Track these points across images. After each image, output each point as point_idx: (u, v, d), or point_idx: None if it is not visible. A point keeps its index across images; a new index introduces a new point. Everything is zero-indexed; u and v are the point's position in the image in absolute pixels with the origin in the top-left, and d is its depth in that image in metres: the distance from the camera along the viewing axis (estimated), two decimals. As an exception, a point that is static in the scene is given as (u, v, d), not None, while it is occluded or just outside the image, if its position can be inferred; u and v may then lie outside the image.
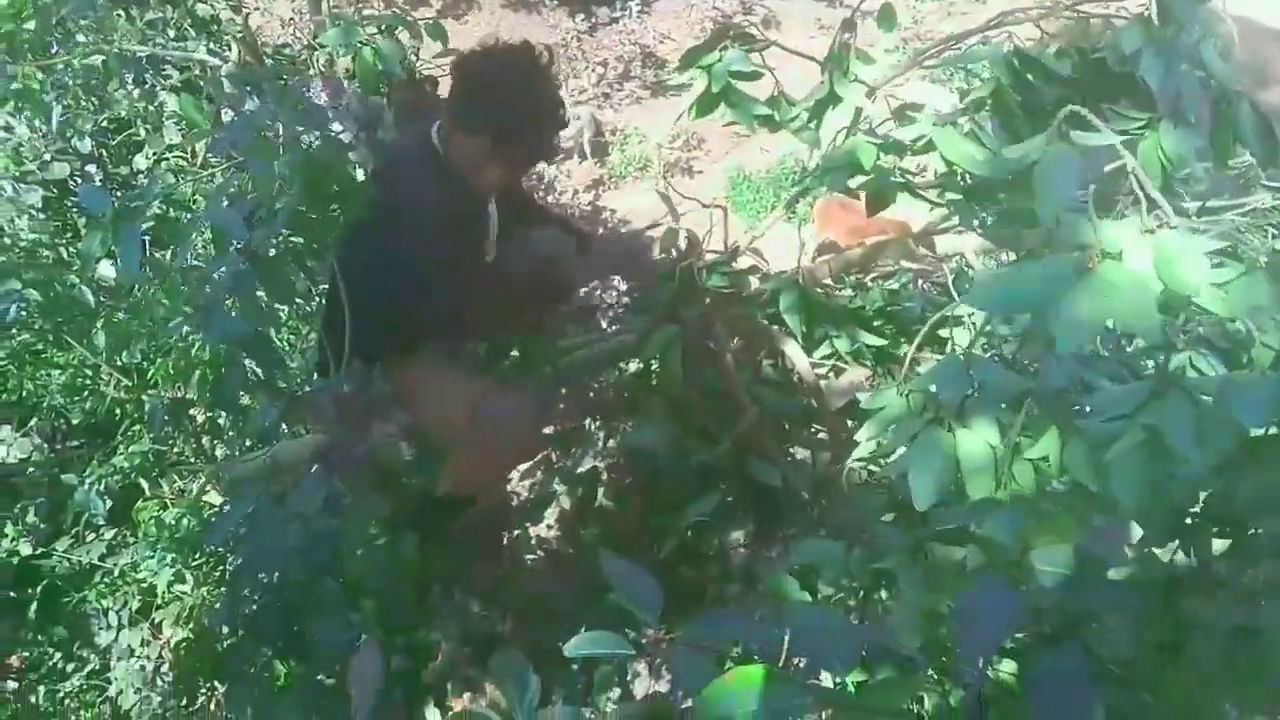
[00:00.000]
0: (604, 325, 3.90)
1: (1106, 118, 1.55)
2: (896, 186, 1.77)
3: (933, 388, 1.34)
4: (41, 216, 3.97)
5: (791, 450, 2.19)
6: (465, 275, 2.22)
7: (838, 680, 1.00)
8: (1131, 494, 1.10)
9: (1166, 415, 1.06)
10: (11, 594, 3.51)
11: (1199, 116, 1.55)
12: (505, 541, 2.42)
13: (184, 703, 3.42)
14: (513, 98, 2.00)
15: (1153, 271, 1.03)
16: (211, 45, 4.27)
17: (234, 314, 1.82)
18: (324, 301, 2.01)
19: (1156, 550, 1.35)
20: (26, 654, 4.07)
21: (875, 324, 2.35)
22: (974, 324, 1.78)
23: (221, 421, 3.30)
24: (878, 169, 1.72)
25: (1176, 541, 1.51)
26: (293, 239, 1.89)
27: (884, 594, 1.95)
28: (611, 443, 2.71)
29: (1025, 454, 1.23)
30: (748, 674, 0.78)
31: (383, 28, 2.27)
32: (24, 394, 3.65)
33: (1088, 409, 1.28)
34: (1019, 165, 1.24)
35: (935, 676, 1.39)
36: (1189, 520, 1.43)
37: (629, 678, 2.13)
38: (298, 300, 2.95)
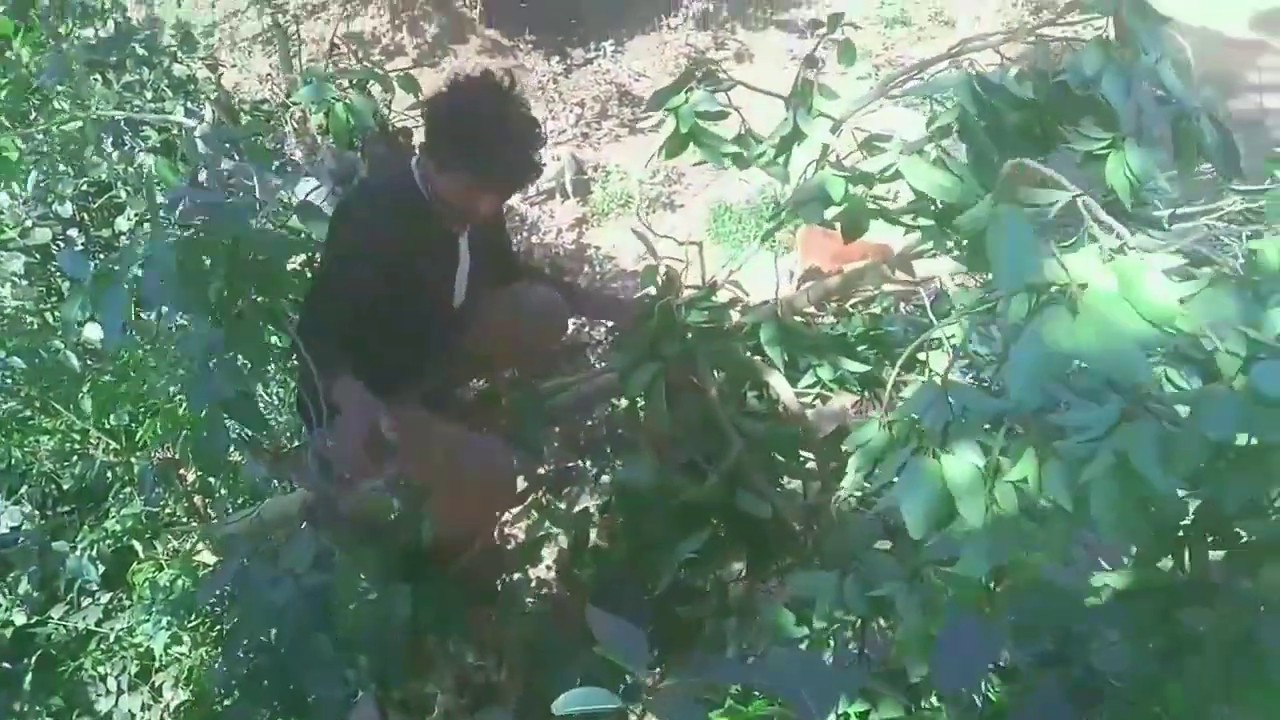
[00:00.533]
0: (592, 362, 3.92)
1: (1069, 139, 1.57)
2: (870, 214, 1.79)
3: (914, 415, 1.35)
4: (24, 283, 3.98)
5: (781, 481, 2.18)
6: (430, 316, 2.23)
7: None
8: (1109, 515, 1.10)
9: (1134, 439, 1.07)
10: (6, 665, 3.46)
11: (1161, 133, 1.58)
12: (500, 587, 2.41)
13: (185, 766, 3.37)
14: (482, 125, 2.02)
15: (1121, 300, 1.04)
16: (189, 104, 4.30)
17: (215, 376, 1.82)
18: (296, 353, 2.02)
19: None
20: (24, 726, 4.02)
21: (859, 349, 2.36)
22: (952, 346, 1.79)
23: (212, 481, 3.28)
24: (850, 199, 1.74)
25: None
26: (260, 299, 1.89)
27: (883, 621, 1.95)
28: (603, 481, 2.71)
29: (1006, 476, 1.23)
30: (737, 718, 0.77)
31: (354, 82, 2.30)
32: (13, 461, 3.64)
33: (1065, 429, 1.28)
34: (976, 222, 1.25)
35: (938, 706, 1.39)
36: (1181, 532, 1.43)
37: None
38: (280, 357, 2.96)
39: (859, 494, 1.81)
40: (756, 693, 1.41)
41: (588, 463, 2.77)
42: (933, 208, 1.78)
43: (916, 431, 1.31)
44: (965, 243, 1.75)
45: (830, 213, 1.79)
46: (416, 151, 2.17)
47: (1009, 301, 1.32)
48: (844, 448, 1.59)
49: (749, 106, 1.97)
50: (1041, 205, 1.17)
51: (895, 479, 1.32)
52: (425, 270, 2.17)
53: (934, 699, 1.43)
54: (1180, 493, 1.18)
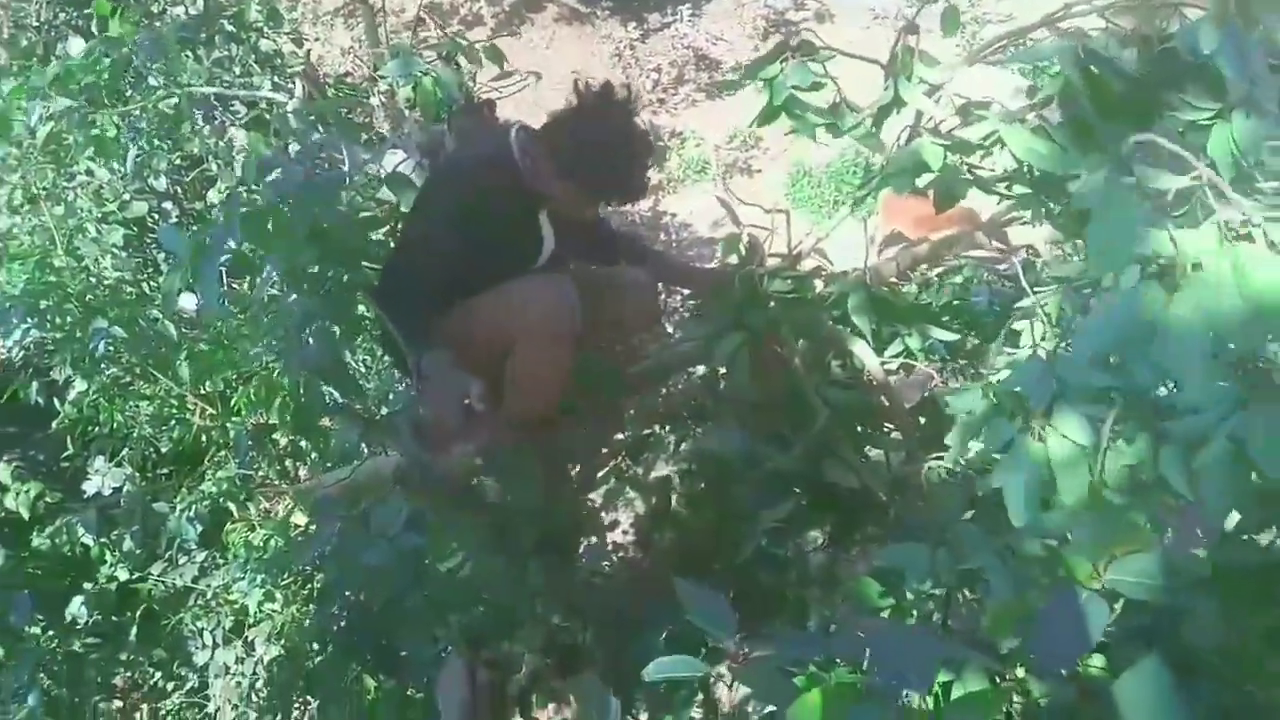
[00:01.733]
0: (670, 331, 3.92)
1: (1174, 108, 1.51)
2: (965, 183, 1.75)
3: (1018, 388, 1.32)
4: (123, 255, 4.12)
5: (866, 451, 2.17)
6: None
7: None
8: (1220, 502, 1.07)
9: (1253, 427, 1.04)
10: (114, 618, 3.64)
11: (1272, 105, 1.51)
12: (581, 549, 2.44)
13: (279, 717, 3.52)
14: (607, 148, 2.09)
15: (1234, 285, 1.01)
16: (276, 79, 4.39)
17: (310, 343, 1.88)
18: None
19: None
20: (129, 675, 4.24)
21: (944, 319, 2.32)
22: (1048, 316, 1.75)
23: (303, 445, 3.38)
24: (945, 168, 1.70)
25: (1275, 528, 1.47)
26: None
27: (969, 594, 1.93)
28: (683, 449, 2.72)
29: (1119, 458, 1.20)
30: (833, 692, 0.78)
31: (440, 55, 2.32)
32: (115, 426, 3.79)
33: (1175, 408, 1.25)
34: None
35: (1025, 678, 1.38)
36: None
37: (712, 681, 2.14)
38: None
39: (950, 466, 1.78)
40: (839, 662, 1.42)
41: (666, 430, 2.79)
42: (1029, 176, 1.73)
43: (1020, 404, 1.28)
44: (1063, 211, 1.70)
45: (923, 180, 1.75)
46: (515, 129, 2.18)
47: (1114, 272, 1.28)
48: (946, 410, 1.56)
49: (839, 73, 1.94)
50: (1159, 183, 1.13)
51: (997, 454, 1.30)
52: (509, 243, 2.20)
53: (1021, 670, 1.42)
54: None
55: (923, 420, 2.17)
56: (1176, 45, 1.55)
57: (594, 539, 2.47)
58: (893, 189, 1.81)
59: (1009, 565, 1.50)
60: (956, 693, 1.04)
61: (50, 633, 3.47)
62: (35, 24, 4.73)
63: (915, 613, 1.83)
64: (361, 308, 2.16)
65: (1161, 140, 1.19)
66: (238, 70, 4.41)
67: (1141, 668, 0.77)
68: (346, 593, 2.19)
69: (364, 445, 2.76)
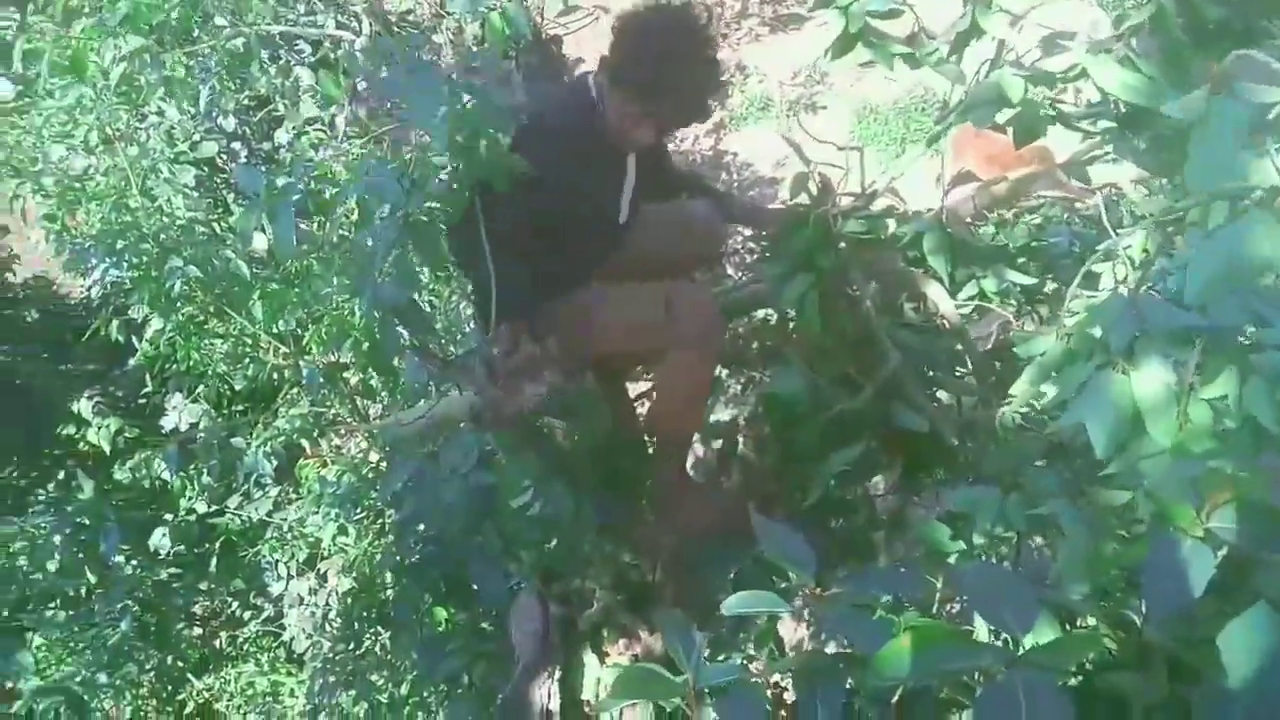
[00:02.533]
0: (731, 273, 3.89)
1: (1274, 34, 1.44)
2: (1046, 120, 1.69)
3: (1096, 330, 1.29)
4: (195, 195, 4.19)
5: (936, 395, 2.14)
6: (599, 233, 2.25)
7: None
8: (1312, 433, 1.05)
9: None
10: (194, 550, 3.78)
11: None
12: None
13: (351, 646, 3.64)
14: (667, 61, 2.01)
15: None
16: (340, 18, 4.39)
17: (383, 281, 1.90)
18: (467, 262, 2.07)
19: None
20: (209, 603, 4.42)
21: (1020, 261, 2.26)
22: (1131, 258, 1.70)
23: (374, 383, 3.45)
24: (1026, 102, 1.65)
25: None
26: (440, 206, 1.94)
27: (1039, 539, 1.91)
28: (749, 392, 2.72)
29: (1202, 394, 1.17)
30: (923, 634, 0.78)
31: (507, -10, 2.30)
32: (191, 363, 3.90)
33: (1265, 345, 1.21)
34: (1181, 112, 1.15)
35: (1098, 625, 1.37)
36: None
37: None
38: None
39: (1025, 410, 1.76)
40: (908, 604, 1.42)
41: (727, 374, 2.78)
42: (1115, 110, 1.67)
43: (1099, 346, 1.25)
44: (1151, 147, 1.64)
45: (1003, 116, 1.70)
46: (590, 73, 2.15)
47: (1205, 206, 1.24)
48: (1019, 355, 1.54)
49: (915, 1, 1.88)
50: (1258, 104, 1.08)
51: (1072, 395, 1.28)
52: (596, 189, 2.19)
53: (1090, 619, 1.41)
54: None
55: (997, 365, 2.13)
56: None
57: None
58: (971, 123, 1.76)
59: (1083, 512, 1.48)
60: (1028, 640, 1.04)
61: (135, 562, 3.62)
62: (106, -37, 4.76)
63: (985, 558, 1.83)
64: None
65: (1263, 58, 1.14)
66: (302, 9, 4.42)
67: (1249, 617, 0.76)
68: (420, 527, 2.25)
69: (434, 385, 2.80)
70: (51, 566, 3.11)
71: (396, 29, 4.30)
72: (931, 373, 2.16)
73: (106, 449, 3.89)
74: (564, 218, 2.09)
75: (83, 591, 3.30)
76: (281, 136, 4.45)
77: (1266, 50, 1.55)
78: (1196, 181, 1.20)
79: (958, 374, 2.17)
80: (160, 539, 3.58)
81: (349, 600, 3.59)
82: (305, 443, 3.66)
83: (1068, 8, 1.87)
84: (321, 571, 3.82)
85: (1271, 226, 1.09)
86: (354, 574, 3.59)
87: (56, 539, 3.13)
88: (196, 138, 4.27)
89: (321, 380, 3.31)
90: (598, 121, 2.11)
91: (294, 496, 3.89)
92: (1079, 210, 2.44)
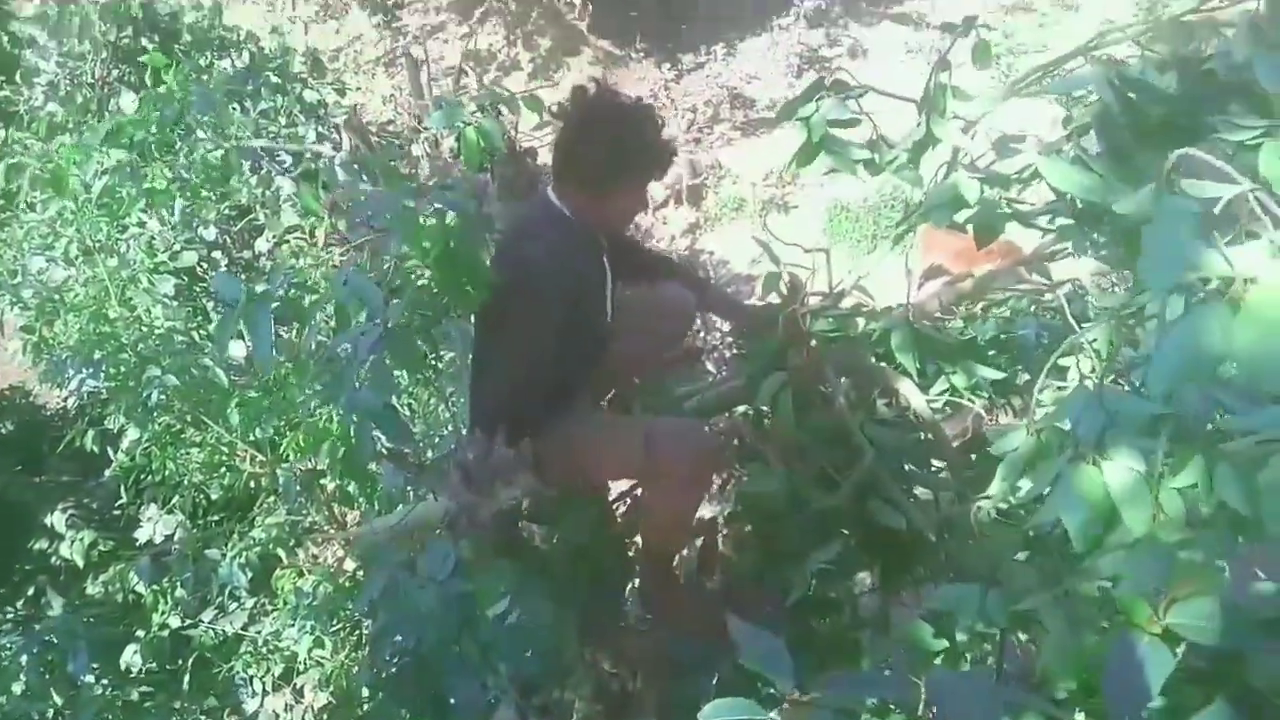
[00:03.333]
0: (710, 369, 3.91)
1: (1217, 129, 1.50)
2: (1003, 217, 1.74)
3: (1065, 423, 1.31)
4: (174, 304, 4.21)
5: (913, 491, 2.14)
6: (594, 334, 2.26)
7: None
8: (1281, 518, 1.06)
9: None
10: (167, 666, 3.67)
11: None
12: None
13: (329, 764, 3.52)
14: (636, 137, 2.11)
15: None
16: (320, 129, 4.50)
17: (360, 387, 1.90)
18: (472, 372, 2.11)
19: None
20: (182, 722, 4.27)
21: (989, 354, 2.29)
22: (1096, 351, 1.73)
23: (351, 490, 3.42)
24: (983, 201, 1.70)
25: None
26: (417, 312, 1.96)
27: (1022, 635, 1.89)
28: (728, 490, 2.70)
29: (1171, 482, 1.18)
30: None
31: (483, 105, 2.37)
32: (167, 473, 3.86)
33: (1231, 431, 1.23)
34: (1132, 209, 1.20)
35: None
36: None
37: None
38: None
39: (1000, 505, 1.76)
40: (894, 707, 1.39)
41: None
42: (1071, 207, 1.72)
43: (1069, 439, 1.26)
44: (1108, 241, 1.68)
45: (962, 215, 1.75)
46: (549, 183, 2.20)
47: (1162, 299, 1.27)
48: (992, 452, 1.55)
49: (875, 108, 1.95)
50: (1205, 198, 1.12)
51: (1047, 489, 1.28)
52: (586, 298, 2.20)
53: (1081, 716, 1.39)
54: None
55: (973, 458, 2.14)
56: (1215, 66, 1.54)
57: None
58: (931, 223, 1.80)
59: (1064, 607, 1.47)
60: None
61: (105, 681, 3.51)
62: (90, 80, 4.89)
63: (969, 655, 1.80)
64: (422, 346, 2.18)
65: (1206, 156, 1.18)
66: (283, 121, 4.52)
67: (1208, 716, 0.75)
68: (396, 639, 2.19)
69: (411, 490, 2.78)
70: (17, 689, 3.01)
71: (377, 139, 4.40)
72: (908, 468, 2.16)
73: (80, 563, 3.82)
74: (561, 332, 2.10)
75: (50, 714, 3.19)
76: (262, 245, 4.50)
77: (1210, 146, 1.62)
78: (1151, 276, 1.24)
79: (934, 469, 2.17)
80: (132, 656, 3.48)
81: (325, 717, 3.49)
82: (282, 552, 3.61)
83: (1022, 107, 1.95)
84: (298, 686, 3.72)
85: (1225, 319, 1.12)
86: (330, 688, 3.50)
87: (24, 659, 3.04)
88: (177, 247, 4.32)
89: (298, 488, 3.28)
90: (569, 229, 2.15)
91: (271, 608, 3.81)
92: (1045, 303, 2.49)
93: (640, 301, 2.46)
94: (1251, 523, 1.15)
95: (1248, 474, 1.12)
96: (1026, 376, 2.28)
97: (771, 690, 1.17)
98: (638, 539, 2.34)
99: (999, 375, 2.15)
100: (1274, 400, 1.28)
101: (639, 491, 2.41)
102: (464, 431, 1.88)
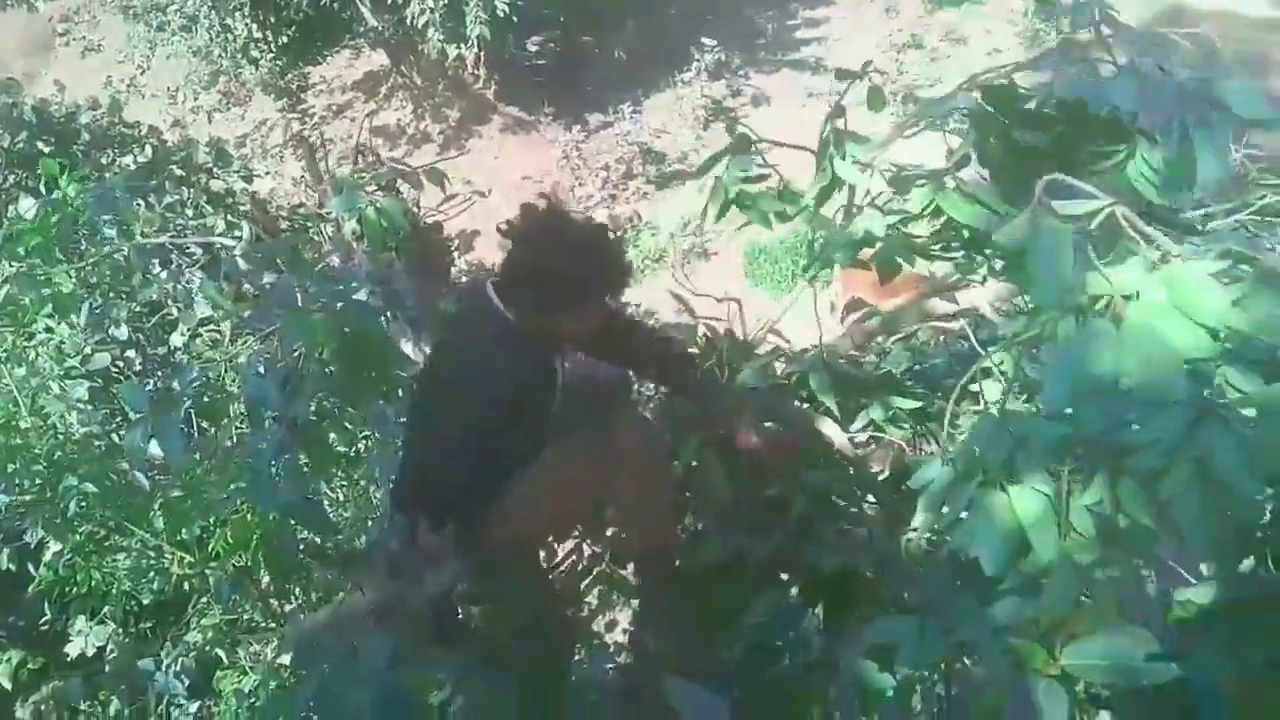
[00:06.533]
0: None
1: (1089, 160, 1.56)
2: (905, 252, 1.78)
3: (976, 450, 1.33)
4: (89, 408, 4.09)
5: (847, 529, 2.16)
6: (534, 432, 2.21)
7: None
8: (1196, 526, 1.08)
9: (1211, 445, 1.05)
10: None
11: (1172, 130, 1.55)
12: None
13: None
14: (590, 258, 2.06)
15: (1171, 310, 1.04)
16: (230, 218, 4.44)
17: (279, 482, 1.86)
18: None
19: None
20: None
21: (906, 385, 2.33)
22: (1003, 374, 1.76)
23: (286, 585, 3.32)
24: (885, 238, 1.74)
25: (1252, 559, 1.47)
26: (327, 401, 1.94)
27: (968, 661, 1.89)
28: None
29: (1079, 501, 1.20)
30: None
31: (382, 184, 2.35)
32: (93, 583, 3.71)
33: (1134, 444, 1.26)
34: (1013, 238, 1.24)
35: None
36: (1260, 534, 1.39)
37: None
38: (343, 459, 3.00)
39: (930, 535, 1.77)
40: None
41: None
42: (960, 236, 1.77)
43: (980, 465, 1.28)
44: (1001, 265, 1.73)
45: (865, 252, 1.79)
46: (494, 293, 2.12)
47: (1053, 320, 1.30)
48: (909, 485, 1.56)
49: (780, 158, 1.99)
50: (1080, 217, 1.16)
51: (964, 515, 1.30)
52: (531, 397, 2.16)
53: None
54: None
55: (902, 489, 2.16)
56: (1086, 98, 1.60)
57: (592, 644, 2.42)
58: (838, 263, 1.84)
59: (999, 636, 1.48)
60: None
61: (42, 816, 3.34)
62: (-14, 187, 4.78)
63: (919, 688, 1.80)
64: (333, 438, 2.15)
65: (1071, 180, 1.23)
66: (190, 213, 4.46)
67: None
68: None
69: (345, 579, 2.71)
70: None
71: (287, 223, 4.36)
72: (842, 506, 2.18)
73: (8, 685, 3.64)
74: (495, 434, 2.07)
75: None
76: (176, 339, 4.40)
77: (1081, 173, 1.68)
78: (1039, 298, 1.28)
79: (864, 505, 2.19)
80: (68, 785, 3.31)
81: (277, 821, 3.34)
82: (221, 652, 3.48)
83: (917, 143, 2.00)
84: (249, 793, 3.57)
85: (1110, 337, 1.15)
86: (282, 790, 3.36)
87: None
88: (88, 350, 4.20)
89: (230, 587, 3.18)
90: (510, 335, 2.09)
91: (214, 711, 3.67)
92: (954, 331, 2.54)
93: (579, 385, 2.42)
94: (1163, 534, 1.18)
95: (1149, 487, 1.15)
96: (943, 404, 2.32)
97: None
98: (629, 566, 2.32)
99: (915, 405, 2.19)
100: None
101: (609, 512, 2.40)
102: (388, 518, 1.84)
